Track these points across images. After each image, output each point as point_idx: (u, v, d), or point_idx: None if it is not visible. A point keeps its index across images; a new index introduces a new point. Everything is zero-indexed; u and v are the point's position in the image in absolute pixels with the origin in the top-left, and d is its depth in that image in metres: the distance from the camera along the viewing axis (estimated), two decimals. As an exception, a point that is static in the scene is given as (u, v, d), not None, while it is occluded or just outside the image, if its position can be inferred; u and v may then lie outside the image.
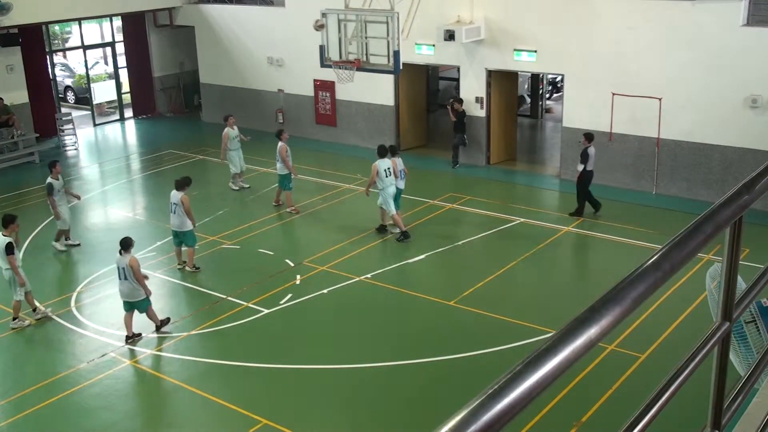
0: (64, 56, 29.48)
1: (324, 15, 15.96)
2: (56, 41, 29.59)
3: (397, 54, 15.22)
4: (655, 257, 1.73)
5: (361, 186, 15.76)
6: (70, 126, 22.87)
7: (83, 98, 26.67)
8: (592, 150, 15.74)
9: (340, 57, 16.00)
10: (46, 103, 22.92)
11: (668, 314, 11.58)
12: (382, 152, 15.01)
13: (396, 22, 15.22)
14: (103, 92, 26.17)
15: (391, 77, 19.70)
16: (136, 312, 11.70)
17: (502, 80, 19.41)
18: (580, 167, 15.79)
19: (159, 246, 14.96)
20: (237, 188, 18.22)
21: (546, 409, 9.29)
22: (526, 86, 24.74)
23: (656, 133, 16.93)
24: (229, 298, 12.90)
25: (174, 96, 26.30)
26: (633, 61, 16.86)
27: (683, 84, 16.36)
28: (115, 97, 25.81)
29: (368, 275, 13.55)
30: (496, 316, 12.04)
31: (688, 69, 16.24)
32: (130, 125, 25.31)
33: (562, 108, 18.62)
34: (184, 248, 14.03)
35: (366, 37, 15.84)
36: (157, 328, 11.88)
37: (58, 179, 14.60)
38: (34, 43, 22.29)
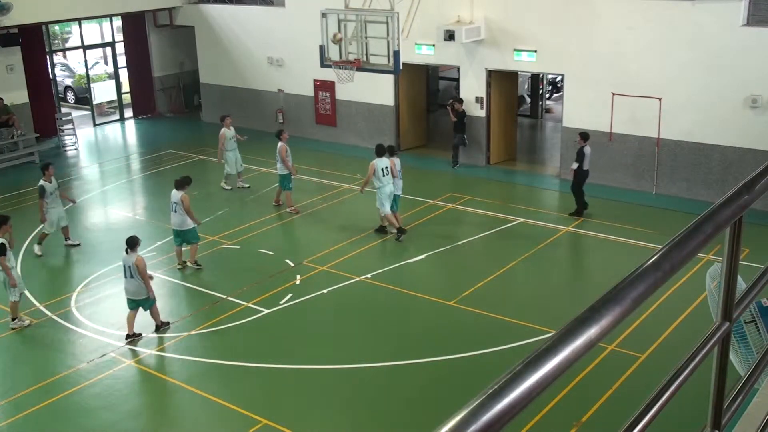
0: (64, 56, 29.48)
1: (324, 15, 15.96)
2: (56, 41, 29.59)
3: (397, 54, 15.22)
4: (655, 257, 1.73)
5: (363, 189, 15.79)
6: (70, 126, 22.88)
7: (83, 98, 26.67)
8: (587, 149, 15.78)
9: (340, 57, 16.00)
10: (46, 103, 22.92)
11: (668, 314, 11.57)
12: (380, 151, 15.03)
13: (396, 22, 15.22)
14: (103, 92, 26.17)
15: (391, 77, 19.70)
16: (139, 312, 11.73)
17: (502, 80, 19.41)
18: (575, 165, 15.82)
19: (159, 246, 14.96)
20: (229, 188, 18.22)
21: (546, 409, 9.29)
22: (526, 86, 24.74)
23: (656, 133, 16.93)
24: (229, 298, 12.90)
25: (174, 96, 26.30)
26: (633, 61, 16.86)
27: (683, 84, 16.36)
28: (115, 97, 25.81)
29: (368, 275, 13.55)
30: (496, 316, 12.04)
31: (688, 69, 16.24)
32: (130, 125, 25.31)
33: (562, 108, 18.62)
34: (185, 248, 14.06)
35: (366, 37, 15.84)
36: (157, 328, 11.89)
37: (51, 182, 14.53)
38: (34, 43, 22.29)
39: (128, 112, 25.82)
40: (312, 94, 22.12)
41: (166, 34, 25.52)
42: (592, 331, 1.47)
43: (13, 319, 12.13)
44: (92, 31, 29.46)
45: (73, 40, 29.55)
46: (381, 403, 10.16)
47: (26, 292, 12.69)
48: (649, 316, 11.36)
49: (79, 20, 23.59)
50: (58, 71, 25.82)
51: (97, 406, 10.22)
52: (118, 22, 25.22)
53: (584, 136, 15.89)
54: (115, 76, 25.79)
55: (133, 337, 11.64)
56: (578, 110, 17.88)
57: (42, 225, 14.68)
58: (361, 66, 15.86)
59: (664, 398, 1.87)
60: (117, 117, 25.73)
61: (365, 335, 11.79)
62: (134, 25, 25.01)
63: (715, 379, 2.22)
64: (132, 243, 11.56)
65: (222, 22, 23.55)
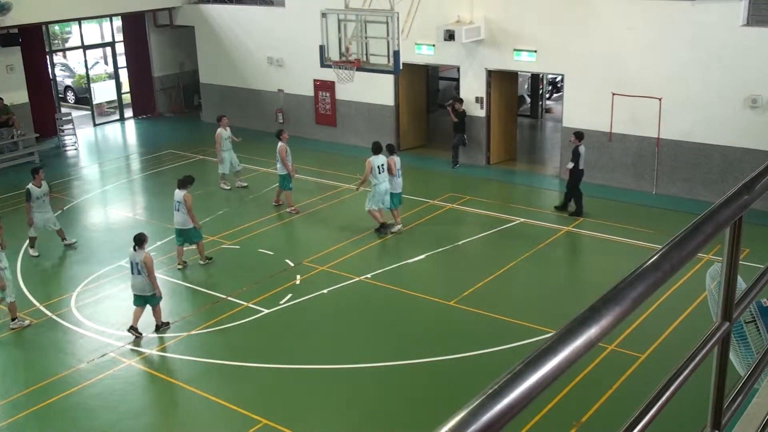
0: (64, 56, 29.47)
1: (324, 15, 15.96)
2: (56, 41, 29.58)
3: (397, 54, 15.22)
4: (655, 257, 1.73)
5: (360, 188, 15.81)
6: (70, 126, 22.87)
7: (83, 98, 26.66)
8: (582, 148, 15.82)
9: (340, 57, 16.00)
10: (46, 103, 22.92)
11: (668, 314, 11.57)
12: (377, 149, 15.08)
13: (396, 22, 15.22)
14: (103, 92, 26.17)
15: (391, 77, 19.70)
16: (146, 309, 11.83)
17: (502, 80, 19.41)
18: (571, 165, 15.86)
19: (159, 246, 14.95)
20: (228, 188, 18.23)
21: (546, 409, 9.29)
22: (526, 86, 24.74)
23: (656, 133, 16.93)
24: (229, 298, 12.90)
25: (174, 96, 26.30)
26: (633, 61, 16.86)
27: (683, 84, 16.36)
28: (115, 97, 25.80)
29: (368, 275, 13.55)
30: (496, 316, 12.04)
31: (688, 69, 16.24)
32: (130, 125, 25.31)
33: (562, 108, 18.62)
34: (186, 247, 14.09)
35: (366, 37, 15.84)
36: (157, 328, 11.90)
37: (40, 186, 14.44)
38: (34, 43, 22.29)
39: (128, 112, 25.81)
40: (312, 94, 22.12)
41: (166, 34, 25.51)
42: (592, 331, 1.47)
43: (13, 320, 12.13)
44: (92, 31, 29.46)
45: (73, 40, 29.55)
46: (381, 403, 10.16)
47: (24, 291, 12.67)
48: (649, 316, 11.36)
49: (79, 20, 23.59)
50: (58, 71, 25.82)
51: (97, 406, 10.22)
52: (118, 22, 25.22)
53: (579, 135, 15.94)
54: (115, 76, 25.78)
55: (136, 330, 11.71)
56: (578, 110, 17.88)
57: (30, 229, 14.63)
58: (361, 66, 15.86)
59: (664, 398, 1.87)
60: (117, 117, 25.73)
61: (365, 335, 11.79)
62: (134, 25, 25.01)
63: (715, 379, 2.22)
64: (140, 240, 11.66)
65: (222, 22, 23.55)
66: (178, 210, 13.78)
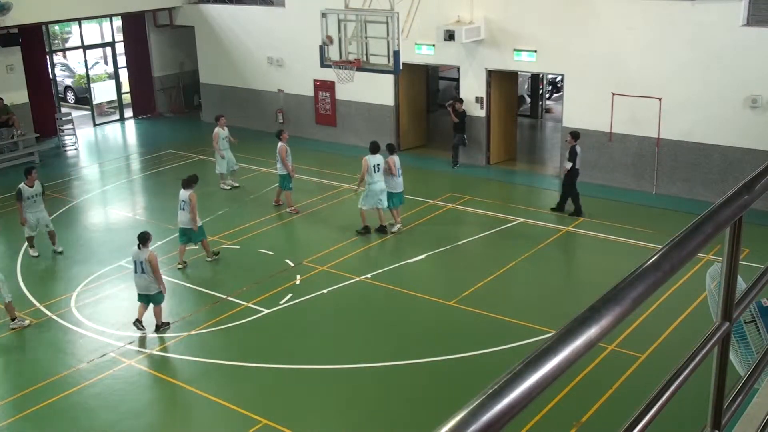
0: (64, 56, 29.47)
1: (324, 15, 15.96)
2: (56, 41, 29.58)
3: (397, 54, 15.22)
4: (655, 257, 1.73)
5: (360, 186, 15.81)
6: (70, 126, 22.87)
7: (83, 98, 26.65)
8: (578, 148, 15.83)
9: (340, 57, 16.00)
10: (46, 103, 22.92)
11: (668, 314, 11.57)
12: (374, 149, 15.10)
13: (396, 22, 15.22)
14: (103, 92, 26.16)
15: (391, 77, 19.70)
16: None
17: (502, 80, 19.41)
18: (568, 165, 15.86)
19: (159, 246, 14.93)
20: (228, 188, 18.23)
21: (546, 409, 9.29)
22: (526, 86, 24.74)
23: (656, 133, 16.93)
24: (229, 298, 12.90)
25: (174, 96, 26.30)
26: (633, 61, 16.86)
27: (683, 84, 16.36)
28: (115, 97, 25.80)
29: (368, 275, 13.55)
30: (496, 316, 12.04)
31: (688, 69, 16.24)
32: (130, 125, 25.30)
33: (562, 108, 18.62)
34: (189, 247, 14.10)
35: (366, 37, 15.84)
36: (157, 328, 11.91)
37: (32, 186, 14.38)
38: (34, 43, 22.29)
39: (128, 112, 25.81)
40: (312, 94, 22.12)
41: (166, 34, 25.51)
42: (592, 331, 1.47)
43: (12, 320, 12.12)
44: (92, 31, 29.46)
45: (73, 40, 29.55)
46: (381, 403, 10.16)
47: (24, 291, 12.67)
48: (649, 316, 11.36)
49: (79, 20, 23.59)
50: (58, 71, 25.82)
51: (97, 406, 10.22)
52: (118, 22, 25.22)
53: (575, 135, 15.97)
54: (115, 76, 25.78)
55: (140, 323, 11.79)
56: (578, 110, 17.88)
57: (26, 228, 14.61)
58: (361, 66, 15.86)
59: (664, 398, 1.87)
60: (117, 117, 25.73)
61: (365, 335, 11.79)
62: (134, 25, 25.01)
63: (715, 379, 2.22)
64: (144, 239, 11.70)
65: (222, 22, 23.55)
66: (183, 209, 13.83)
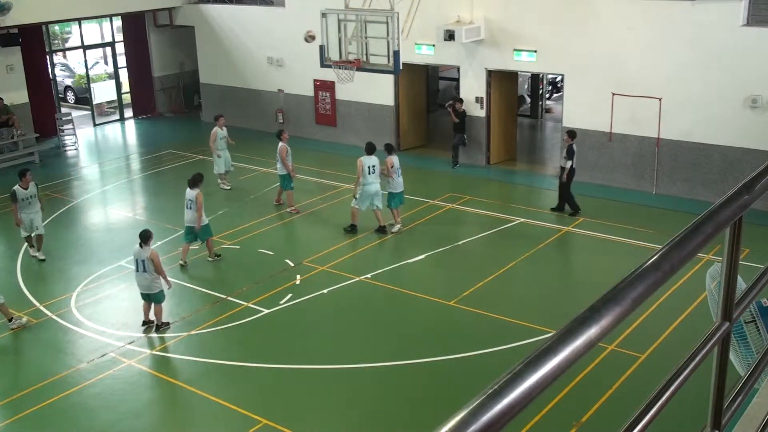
0: (64, 56, 29.47)
1: (324, 15, 15.95)
2: (56, 41, 29.58)
3: (397, 54, 15.22)
4: (655, 257, 1.73)
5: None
6: (70, 126, 22.87)
7: (83, 98, 26.66)
8: (574, 147, 15.85)
9: (340, 57, 16.00)
10: (46, 103, 22.92)
11: (668, 314, 11.57)
12: (370, 149, 15.11)
13: (396, 22, 15.21)
14: (103, 92, 26.16)
15: (391, 77, 19.70)
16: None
17: (502, 80, 19.41)
18: (568, 164, 15.85)
19: (159, 246, 14.92)
20: (228, 188, 18.21)
21: (546, 409, 9.29)
22: (526, 86, 24.74)
23: (656, 133, 16.93)
24: (229, 298, 12.90)
25: (174, 96, 26.30)
26: (633, 61, 16.86)
27: (683, 84, 16.36)
28: (115, 97, 25.80)
29: (368, 275, 13.55)
30: (496, 316, 12.04)
31: (688, 69, 16.24)
32: (130, 125, 25.30)
33: (562, 108, 18.62)
34: (192, 246, 14.12)
35: (366, 37, 15.83)
36: (157, 328, 11.92)
37: (27, 188, 14.31)
38: (34, 43, 22.29)
39: (128, 112, 25.81)
40: (312, 94, 22.12)
41: (166, 34, 25.51)
42: (592, 331, 1.47)
43: (10, 320, 12.10)
44: (92, 31, 29.45)
45: (73, 40, 29.54)
46: (381, 403, 10.16)
47: (24, 291, 12.67)
48: (649, 316, 11.36)
49: (79, 20, 23.59)
50: (58, 71, 25.82)
51: (97, 406, 10.22)
52: (118, 22, 25.22)
53: (571, 133, 16.00)
54: (115, 76, 25.78)
55: (149, 324, 11.87)
56: (578, 110, 17.88)
57: (22, 229, 14.58)
58: (361, 66, 15.86)
59: (664, 398, 1.87)
60: (117, 117, 25.72)
61: (365, 335, 11.79)
62: (134, 25, 25.01)
63: (715, 379, 2.22)
64: (145, 237, 11.68)
65: (222, 22, 23.55)
66: (190, 208, 13.88)
